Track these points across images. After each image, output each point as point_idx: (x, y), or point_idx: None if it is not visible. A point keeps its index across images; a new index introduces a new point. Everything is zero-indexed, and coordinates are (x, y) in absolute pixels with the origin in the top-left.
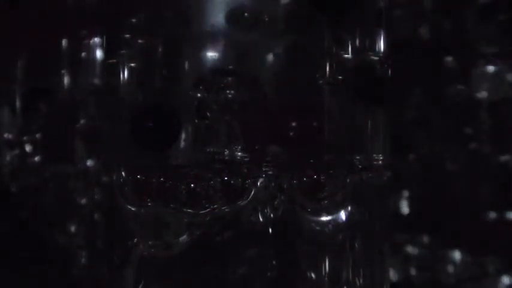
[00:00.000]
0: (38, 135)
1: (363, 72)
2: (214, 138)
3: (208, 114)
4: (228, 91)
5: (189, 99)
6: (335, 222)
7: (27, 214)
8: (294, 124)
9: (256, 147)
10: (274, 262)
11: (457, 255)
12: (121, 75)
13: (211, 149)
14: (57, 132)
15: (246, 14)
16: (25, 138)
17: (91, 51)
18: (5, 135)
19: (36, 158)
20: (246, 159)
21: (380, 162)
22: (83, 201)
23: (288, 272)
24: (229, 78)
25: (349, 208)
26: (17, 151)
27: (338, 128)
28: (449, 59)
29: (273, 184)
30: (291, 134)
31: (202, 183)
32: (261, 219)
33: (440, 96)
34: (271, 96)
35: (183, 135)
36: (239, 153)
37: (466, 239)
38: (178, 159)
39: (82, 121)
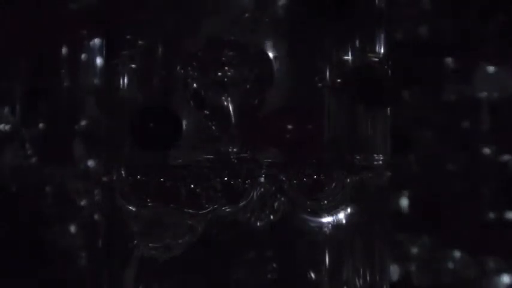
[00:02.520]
0: (38, 135)
1: (363, 74)
2: (214, 133)
3: (203, 93)
4: (226, 68)
5: (183, 82)
6: (335, 223)
7: (27, 214)
8: (294, 125)
9: (257, 147)
10: (274, 262)
11: (457, 255)
12: (121, 76)
13: (212, 149)
14: (57, 132)
15: (246, 15)
16: (25, 138)
17: (91, 52)
18: (5, 132)
19: (36, 159)
20: (246, 159)
21: (380, 162)
22: (83, 202)
23: (288, 272)
24: (230, 53)
25: (349, 208)
26: (16, 151)
27: (338, 129)
28: (449, 59)
29: (273, 184)
30: (291, 134)
31: (202, 183)
32: (261, 220)
33: (440, 96)
34: (272, 97)
35: (184, 135)
36: (239, 154)
37: (466, 239)
38: (178, 159)
39: (82, 121)
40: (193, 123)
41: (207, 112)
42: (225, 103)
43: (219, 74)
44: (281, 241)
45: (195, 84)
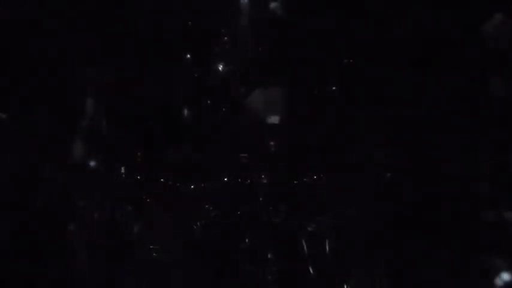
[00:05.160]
0: (38, 136)
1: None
2: (215, 133)
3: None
4: (226, 38)
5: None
6: (335, 223)
7: (28, 214)
8: (293, 126)
9: (257, 149)
10: (274, 262)
11: (456, 255)
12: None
13: (213, 150)
14: (56, 132)
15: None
16: (25, 138)
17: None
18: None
19: (37, 159)
20: (246, 160)
21: (380, 162)
22: (83, 201)
23: (289, 272)
24: (225, 38)
25: (349, 209)
26: (17, 151)
27: (337, 130)
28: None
29: (273, 185)
30: (291, 136)
31: (202, 184)
32: (261, 220)
33: (440, 97)
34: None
35: (184, 136)
36: (240, 155)
37: (466, 239)
38: (178, 160)
39: (82, 121)
40: (194, 122)
41: (209, 101)
42: (220, 70)
43: (217, 48)
44: (281, 242)
45: (189, 56)
